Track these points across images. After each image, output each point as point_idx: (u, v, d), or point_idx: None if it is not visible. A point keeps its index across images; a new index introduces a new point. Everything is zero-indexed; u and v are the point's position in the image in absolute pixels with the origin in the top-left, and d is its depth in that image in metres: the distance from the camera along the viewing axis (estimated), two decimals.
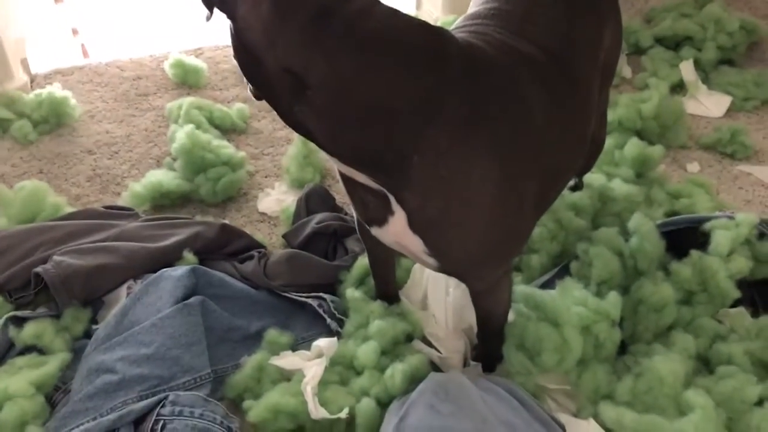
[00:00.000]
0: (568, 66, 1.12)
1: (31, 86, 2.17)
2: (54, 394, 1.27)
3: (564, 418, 1.09)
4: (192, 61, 2.21)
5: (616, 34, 1.35)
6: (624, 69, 2.29)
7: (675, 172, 1.90)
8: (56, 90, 2.03)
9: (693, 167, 1.92)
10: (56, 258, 1.40)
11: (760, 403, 1.11)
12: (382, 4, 0.88)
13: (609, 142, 1.82)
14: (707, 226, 1.40)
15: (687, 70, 2.20)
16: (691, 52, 2.26)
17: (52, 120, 2.00)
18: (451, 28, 1.12)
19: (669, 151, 1.95)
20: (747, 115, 2.13)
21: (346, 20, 0.82)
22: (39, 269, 1.37)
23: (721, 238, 1.35)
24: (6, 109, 1.98)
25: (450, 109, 0.88)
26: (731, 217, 1.42)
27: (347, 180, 1.02)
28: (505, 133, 0.94)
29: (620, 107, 1.94)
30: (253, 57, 0.84)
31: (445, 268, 1.07)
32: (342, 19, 0.82)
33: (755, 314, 1.36)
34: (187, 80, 2.20)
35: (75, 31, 2.91)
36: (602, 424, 1.08)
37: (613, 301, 1.22)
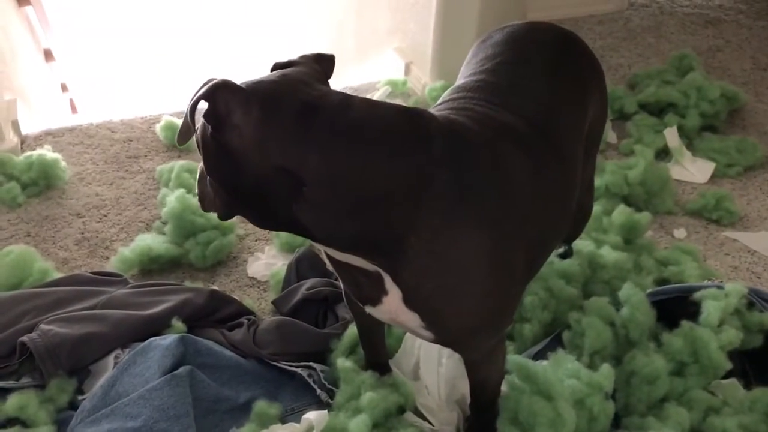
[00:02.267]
0: (552, 136, 1.14)
1: (22, 148, 2.17)
2: None
3: None
4: None
5: (602, 104, 1.38)
6: (609, 134, 2.32)
7: (662, 238, 1.92)
8: (47, 152, 2.03)
9: (680, 233, 1.94)
10: (43, 327, 1.38)
11: None
12: (357, 96, 0.91)
13: (597, 208, 1.84)
14: (697, 295, 1.42)
15: (672, 136, 2.24)
16: (674, 119, 2.30)
17: (42, 182, 1.99)
18: (438, 101, 1.15)
19: (656, 217, 1.97)
20: (731, 181, 2.17)
21: (330, 114, 0.86)
22: (25, 338, 1.35)
23: (711, 308, 1.35)
24: None
25: (438, 186, 0.90)
26: (720, 287, 1.43)
27: (338, 264, 1.02)
28: (492, 205, 0.96)
29: (607, 173, 1.97)
30: (236, 166, 0.86)
31: (441, 340, 1.07)
32: (326, 113, 0.85)
33: (747, 385, 1.36)
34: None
35: (64, 87, 2.94)
36: None
37: (605, 373, 1.22)
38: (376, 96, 2.50)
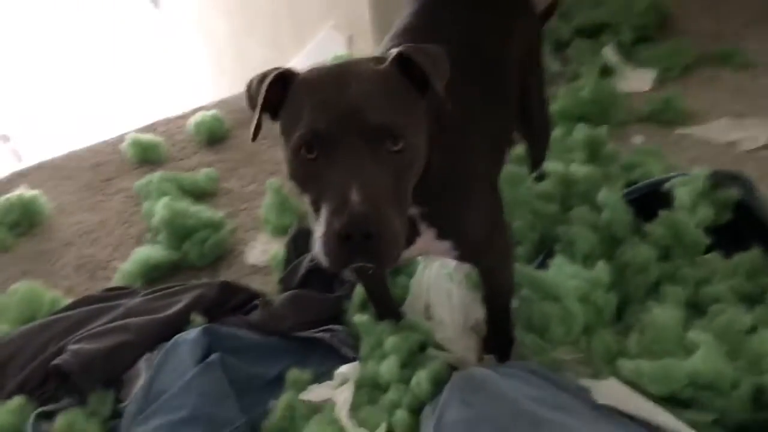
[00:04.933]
0: (474, 63, 1.27)
1: None
2: None
3: (587, 383, 1.18)
4: (148, 138, 2.27)
5: (530, 26, 1.52)
6: (552, 64, 2.43)
7: (623, 147, 2.03)
8: (24, 191, 2.06)
9: (637, 140, 2.07)
10: (71, 347, 1.44)
11: (754, 329, 1.22)
12: None
13: (557, 132, 1.96)
14: (667, 186, 1.53)
15: (610, 53, 2.36)
16: (609, 37, 2.43)
17: (25, 222, 2.03)
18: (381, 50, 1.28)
19: (612, 130, 2.08)
20: (672, 83, 2.30)
21: None
22: (58, 361, 1.41)
23: (682, 193, 1.47)
24: None
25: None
26: (685, 174, 1.54)
27: None
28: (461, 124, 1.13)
29: (560, 99, 2.09)
30: None
31: (466, 254, 1.22)
32: None
33: (727, 255, 1.48)
34: (147, 157, 2.25)
35: (6, 138, 2.94)
36: (622, 380, 1.17)
37: (602, 268, 1.33)
38: None
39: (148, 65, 3.45)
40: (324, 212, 0.88)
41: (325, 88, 0.92)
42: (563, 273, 1.33)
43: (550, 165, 1.81)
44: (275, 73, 0.96)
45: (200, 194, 2.08)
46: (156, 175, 2.05)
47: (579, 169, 1.76)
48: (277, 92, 0.96)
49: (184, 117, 2.42)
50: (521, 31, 1.45)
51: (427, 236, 1.13)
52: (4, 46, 3.67)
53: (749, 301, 1.31)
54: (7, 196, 2.06)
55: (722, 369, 1.10)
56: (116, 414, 1.42)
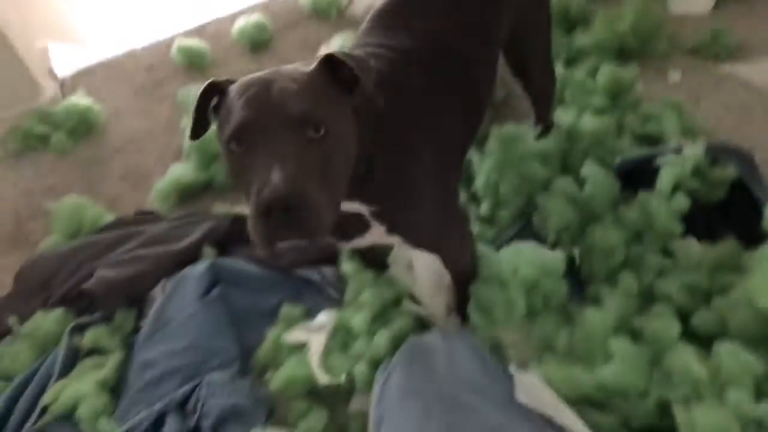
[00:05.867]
0: (450, 49, 1.30)
1: (62, 91, 2.40)
2: (118, 385, 1.57)
3: (513, 369, 1.29)
4: (196, 44, 2.38)
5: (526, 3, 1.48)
6: None
7: (655, 85, 1.94)
8: (80, 99, 2.26)
9: (675, 76, 1.97)
10: (99, 273, 1.68)
11: (686, 336, 1.27)
12: None
13: (582, 69, 1.90)
14: (658, 161, 1.51)
15: None
16: None
17: (83, 127, 2.24)
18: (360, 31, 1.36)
19: (651, 62, 1.99)
20: (735, 6, 2.11)
21: None
22: (86, 286, 1.66)
23: (666, 176, 1.46)
24: (41, 123, 2.23)
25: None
26: (678, 151, 1.51)
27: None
28: (407, 123, 1.18)
29: (596, 27, 1.98)
30: None
31: (417, 246, 1.32)
32: None
33: (712, 238, 1.47)
34: (193, 63, 2.37)
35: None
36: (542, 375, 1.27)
37: (557, 257, 1.38)
38: None
39: None
40: (251, 197, 0.94)
41: (252, 90, 0.99)
42: (519, 257, 1.40)
43: (562, 113, 1.79)
44: (206, 83, 1.04)
45: None
46: (195, 89, 2.17)
47: (589, 122, 1.73)
48: (207, 100, 1.05)
49: (232, 18, 2.49)
50: (510, 12, 1.43)
51: (378, 230, 1.23)
52: None
53: (697, 300, 1.34)
54: (66, 102, 2.26)
55: (632, 381, 1.19)
56: (137, 330, 1.69)
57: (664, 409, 1.19)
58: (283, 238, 0.95)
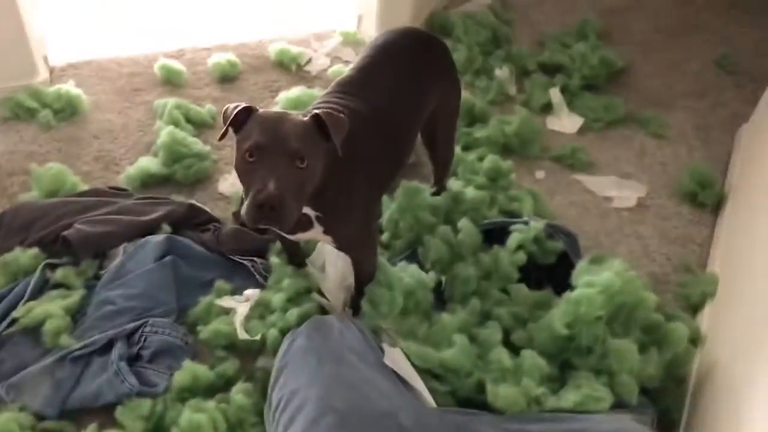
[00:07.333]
0: (390, 117, 1.83)
1: (51, 77, 2.81)
2: (77, 315, 1.99)
3: (385, 346, 1.82)
4: (175, 65, 2.86)
5: (451, 91, 2.10)
6: (510, 88, 2.96)
7: (524, 177, 2.59)
8: (71, 87, 2.69)
9: (540, 174, 2.63)
10: (77, 226, 2.10)
11: (506, 344, 1.85)
12: None
13: (473, 155, 2.52)
14: (512, 228, 2.12)
15: (554, 94, 2.88)
16: (562, 79, 2.94)
17: (68, 110, 2.66)
18: (326, 91, 1.87)
19: (525, 160, 2.65)
20: (594, 133, 2.82)
21: None
22: (66, 233, 2.07)
23: (513, 239, 2.06)
24: (32, 99, 2.63)
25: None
26: (527, 223, 2.13)
27: None
28: (356, 166, 1.70)
29: (489, 127, 2.64)
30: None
31: (340, 247, 1.85)
32: None
33: (539, 287, 2.07)
34: (170, 80, 2.85)
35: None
36: (405, 351, 1.81)
37: (429, 277, 1.95)
38: (329, 44, 3.11)
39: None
40: (251, 192, 1.43)
41: (268, 122, 1.51)
42: (405, 271, 1.96)
43: (453, 181, 2.40)
44: (242, 105, 1.54)
45: (200, 124, 2.67)
46: (171, 101, 2.64)
47: (471, 192, 2.33)
48: (238, 117, 1.53)
49: (209, 50, 3.00)
50: (442, 90, 2.02)
51: (317, 229, 1.74)
52: None
53: (519, 322, 1.93)
54: (59, 86, 2.68)
55: (463, 363, 1.74)
56: (96, 277, 2.10)
57: (481, 386, 1.75)
58: (264, 224, 1.45)
